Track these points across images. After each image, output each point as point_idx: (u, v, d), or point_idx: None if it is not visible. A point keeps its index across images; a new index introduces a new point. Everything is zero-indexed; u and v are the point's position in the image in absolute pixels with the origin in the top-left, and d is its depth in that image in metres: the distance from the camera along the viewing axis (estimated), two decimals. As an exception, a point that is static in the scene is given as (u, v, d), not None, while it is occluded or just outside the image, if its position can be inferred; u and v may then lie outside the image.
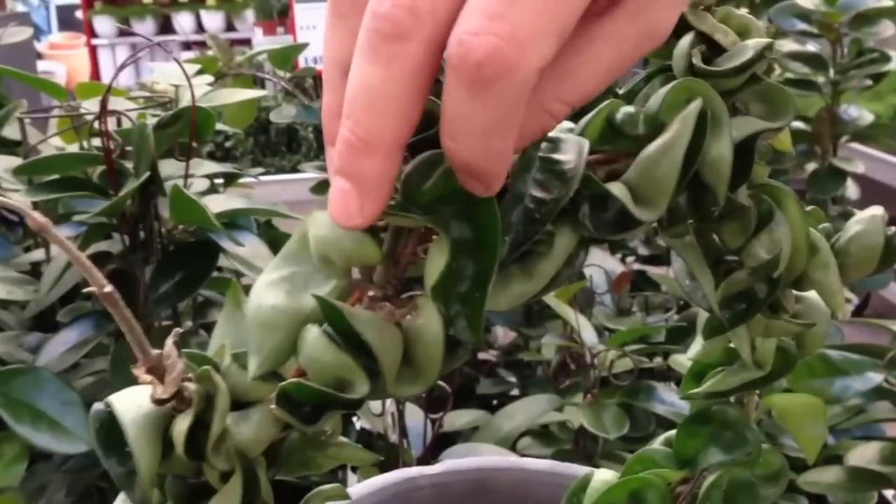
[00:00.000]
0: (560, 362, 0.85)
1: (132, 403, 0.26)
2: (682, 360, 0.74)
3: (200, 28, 6.37)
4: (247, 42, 5.25)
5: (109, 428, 0.26)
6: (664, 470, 0.40)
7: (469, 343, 0.28)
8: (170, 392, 0.25)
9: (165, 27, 5.99)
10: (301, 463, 0.30)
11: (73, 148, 0.81)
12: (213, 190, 0.85)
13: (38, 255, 0.82)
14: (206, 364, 0.27)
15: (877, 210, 0.36)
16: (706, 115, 0.29)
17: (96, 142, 0.79)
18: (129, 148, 0.75)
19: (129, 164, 0.74)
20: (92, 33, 5.12)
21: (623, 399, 0.80)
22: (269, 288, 0.27)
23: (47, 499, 0.74)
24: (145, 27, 5.85)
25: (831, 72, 1.23)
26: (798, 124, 1.26)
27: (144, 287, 0.75)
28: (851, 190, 1.28)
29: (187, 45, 6.28)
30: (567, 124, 0.31)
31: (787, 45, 1.24)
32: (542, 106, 0.26)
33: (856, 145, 3.26)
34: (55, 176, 0.73)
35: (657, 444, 0.43)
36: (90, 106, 0.82)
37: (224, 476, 0.27)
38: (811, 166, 1.26)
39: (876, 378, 0.69)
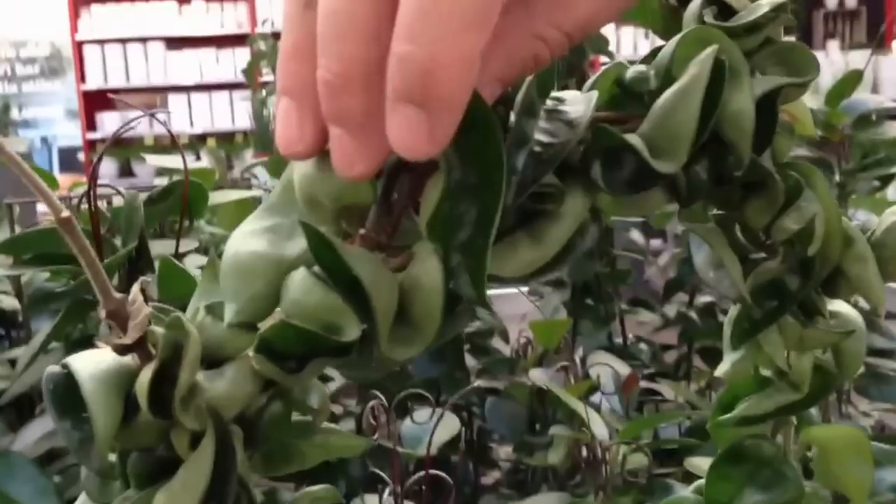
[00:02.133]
0: (570, 461, 0.80)
1: (91, 360, 0.23)
2: (700, 464, 0.70)
3: (201, 171, 6.55)
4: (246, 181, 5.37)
5: (66, 390, 0.23)
6: (693, 511, 0.36)
7: (471, 300, 0.24)
8: (133, 337, 0.22)
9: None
10: (285, 456, 0.26)
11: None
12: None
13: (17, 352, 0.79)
14: (176, 319, 0.23)
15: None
16: (723, 64, 0.27)
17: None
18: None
19: (119, 242, 0.71)
20: (94, 175, 5.22)
21: (639, 497, 0.74)
22: (250, 236, 0.24)
23: None
24: (146, 168, 5.99)
25: (837, 175, 1.23)
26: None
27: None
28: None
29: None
30: (573, 93, 0.29)
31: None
32: (534, 31, 0.24)
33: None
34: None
35: (688, 492, 0.38)
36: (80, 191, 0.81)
37: (194, 443, 0.23)
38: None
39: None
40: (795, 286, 0.31)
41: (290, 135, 0.23)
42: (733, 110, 0.28)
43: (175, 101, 5.33)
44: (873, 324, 1.06)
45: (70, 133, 5.53)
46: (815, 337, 0.32)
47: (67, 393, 0.23)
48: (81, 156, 5.34)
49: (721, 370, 0.35)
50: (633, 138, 0.27)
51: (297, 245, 0.24)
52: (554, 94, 0.28)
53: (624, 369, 0.93)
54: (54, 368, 0.23)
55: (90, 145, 5.36)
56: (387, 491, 0.63)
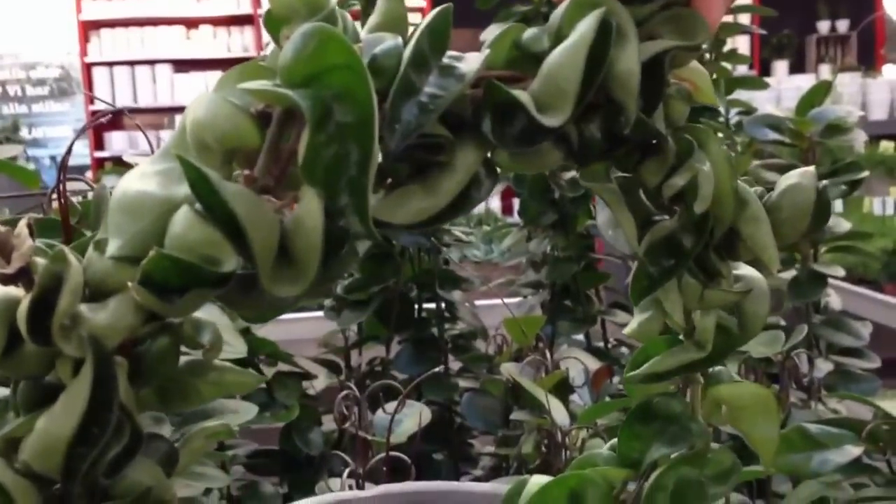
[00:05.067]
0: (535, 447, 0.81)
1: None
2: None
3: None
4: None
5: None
6: (606, 468, 0.37)
7: (360, 235, 0.25)
8: (15, 267, 0.23)
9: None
10: (181, 393, 0.27)
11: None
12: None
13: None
14: (58, 252, 0.24)
15: (809, 168, 0.34)
16: (610, 25, 0.29)
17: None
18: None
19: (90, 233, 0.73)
20: (99, 192, 5.27)
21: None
22: (141, 178, 0.26)
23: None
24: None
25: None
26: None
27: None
28: (834, 299, 1.26)
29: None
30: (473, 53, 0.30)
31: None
32: None
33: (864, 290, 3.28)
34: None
35: (604, 448, 0.39)
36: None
37: (77, 370, 0.24)
38: (790, 274, 1.25)
39: (854, 451, 0.66)
40: (690, 244, 0.32)
41: None
42: (620, 70, 0.29)
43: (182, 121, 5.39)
44: (840, 323, 1.06)
45: (78, 152, 5.59)
46: (715, 297, 0.33)
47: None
48: (90, 174, 5.39)
49: (628, 329, 0.35)
50: (520, 94, 0.28)
51: (186, 188, 0.25)
52: (452, 52, 0.30)
53: (593, 364, 0.94)
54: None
55: (98, 163, 5.41)
56: (346, 471, 0.63)
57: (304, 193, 0.25)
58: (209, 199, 0.24)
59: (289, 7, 0.27)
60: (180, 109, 5.34)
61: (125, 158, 0.73)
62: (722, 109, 1.40)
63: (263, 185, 0.26)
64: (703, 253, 0.33)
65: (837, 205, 4.10)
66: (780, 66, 5.46)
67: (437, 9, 0.29)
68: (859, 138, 1.28)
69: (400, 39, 0.28)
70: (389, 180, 0.29)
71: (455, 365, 1.15)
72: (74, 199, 0.79)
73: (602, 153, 0.31)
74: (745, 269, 0.35)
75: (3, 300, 0.23)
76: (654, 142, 0.31)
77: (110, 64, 5.27)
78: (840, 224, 1.28)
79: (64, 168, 0.72)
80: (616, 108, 0.30)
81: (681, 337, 0.36)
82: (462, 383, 1.11)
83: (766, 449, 0.38)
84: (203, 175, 0.24)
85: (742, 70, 5.67)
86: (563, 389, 0.89)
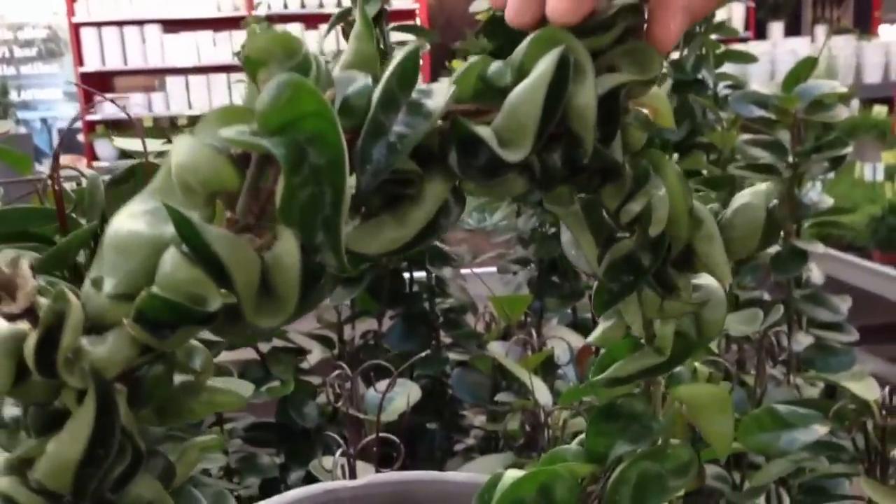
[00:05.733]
0: (520, 425, 0.84)
1: (-15, 324, 0.26)
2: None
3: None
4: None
5: (-36, 353, 0.26)
6: (573, 463, 0.40)
7: (333, 269, 0.28)
8: (20, 307, 0.25)
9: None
10: (175, 411, 0.30)
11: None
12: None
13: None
14: (59, 291, 0.27)
15: (762, 185, 0.37)
16: (568, 61, 0.31)
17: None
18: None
19: (85, 222, 0.75)
20: (93, 156, 5.26)
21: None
22: (131, 218, 0.28)
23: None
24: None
25: (790, 157, 1.26)
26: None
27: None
28: (816, 274, 1.29)
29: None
30: (441, 84, 0.32)
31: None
32: None
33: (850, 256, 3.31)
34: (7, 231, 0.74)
35: (573, 444, 0.42)
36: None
37: (81, 399, 0.26)
38: (773, 249, 1.28)
39: (821, 431, 0.69)
40: (648, 262, 0.34)
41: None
42: (578, 104, 0.31)
43: (173, 83, 5.35)
44: (819, 298, 1.09)
45: (69, 115, 5.57)
46: (673, 308, 0.35)
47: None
48: (81, 137, 5.37)
49: (592, 337, 0.38)
50: (483, 130, 0.30)
51: (173, 227, 0.27)
52: (422, 86, 0.32)
53: (578, 341, 0.97)
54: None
55: (89, 127, 5.38)
56: (339, 451, 0.66)
57: (282, 233, 0.27)
58: (194, 242, 0.26)
59: (266, 51, 0.29)
60: (171, 71, 5.32)
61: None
62: (710, 83, 1.41)
63: (244, 224, 0.28)
64: (661, 268, 0.35)
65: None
66: (776, 28, 5.43)
67: (408, 48, 0.30)
68: (843, 114, 1.30)
69: (370, 79, 0.30)
70: (363, 209, 0.31)
71: (447, 338, 1.18)
72: (68, 185, 0.81)
73: (563, 180, 0.33)
74: (703, 279, 0.38)
75: (11, 336, 0.26)
76: (612, 167, 0.33)
77: (98, 24, 5.22)
78: (824, 200, 1.30)
79: (56, 158, 0.74)
80: (575, 139, 0.32)
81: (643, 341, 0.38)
82: (452, 356, 1.14)
83: (721, 443, 0.41)
84: (188, 220, 0.26)
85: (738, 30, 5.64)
86: (548, 367, 0.92)
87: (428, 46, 1.31)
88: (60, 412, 0.27)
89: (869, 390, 0.71)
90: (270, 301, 0.28)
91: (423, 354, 1.00)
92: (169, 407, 0.30)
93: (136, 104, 5.50)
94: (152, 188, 0.29)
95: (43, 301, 0.26)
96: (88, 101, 5.14)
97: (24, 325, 0.26)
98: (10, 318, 0.26)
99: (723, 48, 1.40)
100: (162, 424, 0.30)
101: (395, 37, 1.25)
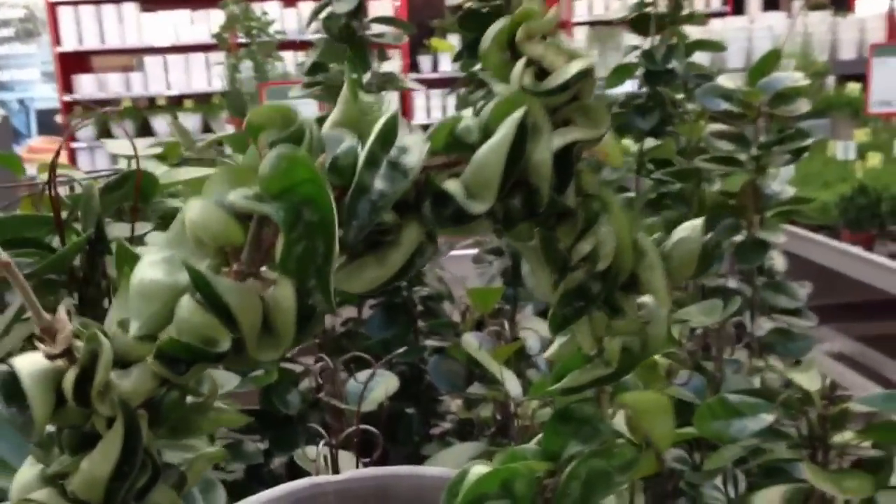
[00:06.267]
0: (492, 414, 0.90)
1: (29, 361, 0.31)
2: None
3: (178, 131, 6.51)
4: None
5: (11, 384, 0.31)
6: (531, 461, 0.45)
7: (324, 310, 0.33)
8: (60, 348, 0.30)
9: (144, 129, 6.12)
10: (186, 428, 0.35)
11: (29, 217, 0.86)
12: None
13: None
14: (92, 333, 0.32)
15: (696, 221, 0.42)
16: (527, 124, 0.35)
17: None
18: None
19: (79, 226, 0.79)
20: (72, 137, 5.24)
21: (542, 444, 0.84)
22: (151, 266, 0.32)
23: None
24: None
25: (753, 149, 1.32)
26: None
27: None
28: (778, 261, 1.35)
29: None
30: (414, 139, 0.37)
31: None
32: None
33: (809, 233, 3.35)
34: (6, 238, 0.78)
35: (532, 443, 0.47)
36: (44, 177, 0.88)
37: (110, 424, 0.31)
38: (738, 238, 1.33)
39: (768, 419, 0.75)
40: (597, 290, 0.39)
41: None
42: (536, 160, 0.36)
43: (151, 63, 5.33)
44: (780, 286, 1.15)
45: (47, 95, 5.53)
46: (620, 327, 0.41)
47: (13, 386, 0.31)
48: (59, 117, 5.34)
49: (548, 353, 0.43)
50: (452, 185, 0.35)
51: (187, 274, 0.32)
52: (399, 143, 0.36)
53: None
54: (2, 367, 0.31)
55: (67, 107, 5.35)
56: (322, 442, 0.71)
57: (281, 281, 0.32)
58: (207, 292, 0.31)
59: (266, 118, 0.34)
60: (149, 50, 5.30)
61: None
62: (680, 72, 1.45)
63: (248, 272, 0.33)
64: (609, 293, 0.40)
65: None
66: (754, 2, 5.48)
67: (389, 114, 0.35)
68: (804, 107, 1.35)
69: (356, 140, 0.35)
70: (350, 250, 0.36)
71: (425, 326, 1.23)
72: (62, 191, 0.85)
73: (523, 220, 0.38)
74: (647, 299, 0.43)
75: (52, 373, 0.30)
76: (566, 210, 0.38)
77: (75, 3, 5.19)
78: (785, 190, 1.36)
79: (52, 169, 0.78)
80: (533, 189, 0.37)
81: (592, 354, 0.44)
82: (430, 343, 1.20)
83: (662, 441, 0.46)
84: (202, 274, 0.31)
85: (716, 5, 5.64)
86: (520, 357, 0.97)
87: (406, 38, 1.35)
88: (92, 434, 0.32)
89: (812, 381, 0.77)
90: (270, 337, 0.32)
91: (402, 350, 1.04)
92: (181, 425, 0.34)
93: (114, 84, 5.47)
94: (168, 238, 0.33)
95: (77, 343, 0.31)
96: (67, 82, 5.12)
97: (62, 363, 0.31)
98: (51, 357, 0.30)
99: (693, 39, 1.43)
100: (175, 438, 0.35)
101: (376, 28, 1.28)
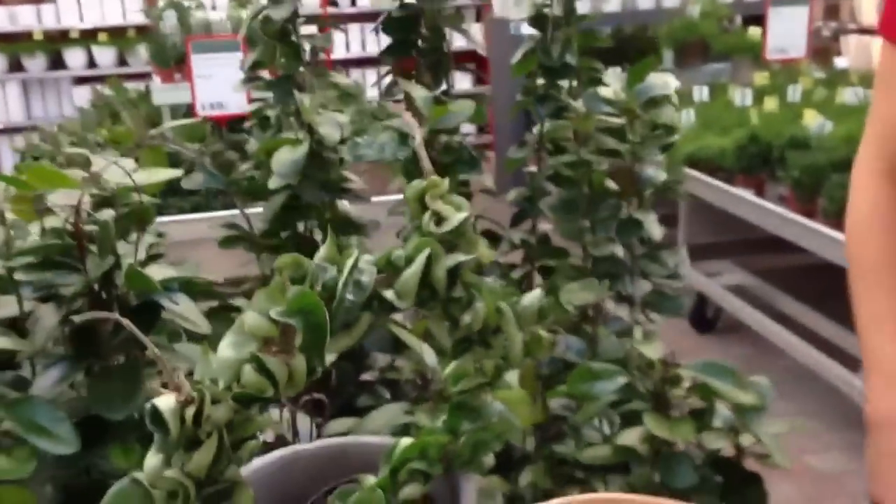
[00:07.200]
0: (413, 380, 1.18)
1: (164, 401, 0.58)
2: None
3: (92, 63, 6.42)
4: (141, 77, 5.31)
5: (154, 415, 0.58)
6: (439, 435, 0.74)
7: (320, 367, 0.60)
8: (185, 396, 0.57)
9: (57, 63, 6.05)
10: (242, 429, 0.62)
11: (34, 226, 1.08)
12: (152, 258, 1.15)
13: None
14: (199, 384, 0.58)
15: (538, 290, 0.70)
16: (431, 256, 0.63)
17: (50, 220, 1.06)
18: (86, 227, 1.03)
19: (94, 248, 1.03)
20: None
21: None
22: (226, 347, 0.59)
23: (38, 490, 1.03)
24: (36, 63, 5.92)
25: (629, 143, 1.60)
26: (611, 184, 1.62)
27: (108, 335, 1.05)
28: (655, 231, 1.63)
29: (79, 80, 6.30)
30: (368, 257, 0.64)
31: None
32: None
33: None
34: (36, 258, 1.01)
35: (438, 423, 0.76)
36: (55, 199, 1.10)
37: (208, 434, 0.58)
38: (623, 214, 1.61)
39: (622, 381, 1.04)
40: (475, 338, 0.68)
41: None
42: (436, 276, 0.64)
43: (64, -6, 5.27)
44: (655, 256, 1.43)
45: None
46: (490, 354, 0.69)
47: (156, 415, 0.57)
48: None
49: (446, 371, 0.72)
50: (389, 293, 0.62)
51: (247, 350, 0.59)
52: (359, 265, 0.63)
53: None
54: (147, 405, 0.58)
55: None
56: (284, 408, 0.99)
57: (297, 356, 0.59)
58: (259, 363, 0.58)
59: (288, 265, 0.60)
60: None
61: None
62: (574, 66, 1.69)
63: (280, 351, 0.60)
64: (483, 338, 0.69)
65: (705, 93, 4.27)
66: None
67: (353, 257, 0.62)
68: (669, 112, 1.63)
69: (335, 270, 0.62)
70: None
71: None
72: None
73: (430, 303, 0.66)
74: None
75: (179, 410, 0.57)
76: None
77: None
78: (658, 175, 1.65)
79: (78, 211, 1.01)
80: (435, 288, 0.64)
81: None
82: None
83: (525, 419, 0.75)
84: (256, 354, 0.58)
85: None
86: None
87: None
88: (199, 440, 0.59)
89: (654, 351, 1.06)
90: (292, 385, 0.60)
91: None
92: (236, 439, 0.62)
93: (26, 17, 5.40)
94: (236, 328, 0.60)
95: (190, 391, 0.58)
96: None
97: (183, 401, 0.58)
98: (181, 402, 0.57)
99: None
100: (234, 440, 0.62)
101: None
